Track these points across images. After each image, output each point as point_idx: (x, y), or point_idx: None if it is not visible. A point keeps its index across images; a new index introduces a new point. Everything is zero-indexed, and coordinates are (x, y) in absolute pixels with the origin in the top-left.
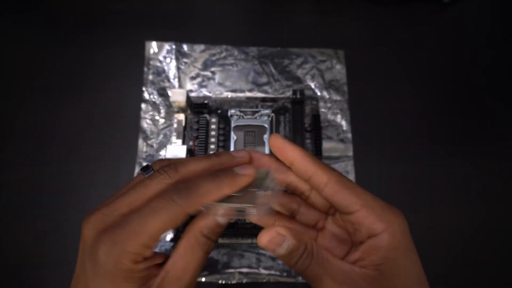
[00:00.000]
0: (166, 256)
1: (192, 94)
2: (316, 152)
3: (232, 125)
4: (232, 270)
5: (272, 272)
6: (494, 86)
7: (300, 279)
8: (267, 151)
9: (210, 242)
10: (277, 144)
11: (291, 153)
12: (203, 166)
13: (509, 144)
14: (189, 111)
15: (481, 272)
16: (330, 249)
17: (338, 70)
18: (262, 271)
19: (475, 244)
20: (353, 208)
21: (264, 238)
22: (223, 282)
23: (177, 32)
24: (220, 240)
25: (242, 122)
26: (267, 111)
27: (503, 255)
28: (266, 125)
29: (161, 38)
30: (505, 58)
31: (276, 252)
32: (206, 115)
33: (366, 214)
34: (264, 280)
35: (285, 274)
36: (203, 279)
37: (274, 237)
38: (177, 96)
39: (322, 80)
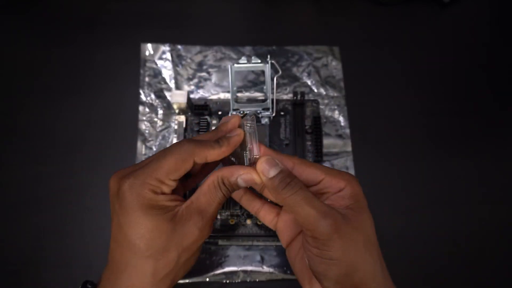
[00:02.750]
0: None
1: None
2: (317, 154)
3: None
4: (236, 269)
5: (276, 270)
6: (493, 86)
7: None
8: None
9: (226, 191)
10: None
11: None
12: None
13: (508, 143)
14: (189, 113)
15: (480, 272)
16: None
17: (334, 66)
18: (266, 269)
19: (475, 243)
20: (320, 178)
21: (261, 162)
22: (227, 281)
23: (174, 33)
24: (221, 242)
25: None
26: (267, 113)
27: (503, 255)
28: (267, 120)
29: (158, 39)
30: (504, 58)
31: (270, 173)
32: (207, 117)
33: (330, 179)
34: (268, 278)
35: (288, 271)
36: (207, 279)
37: (268, 160)
38: (178, 97)
39: (318, 77)
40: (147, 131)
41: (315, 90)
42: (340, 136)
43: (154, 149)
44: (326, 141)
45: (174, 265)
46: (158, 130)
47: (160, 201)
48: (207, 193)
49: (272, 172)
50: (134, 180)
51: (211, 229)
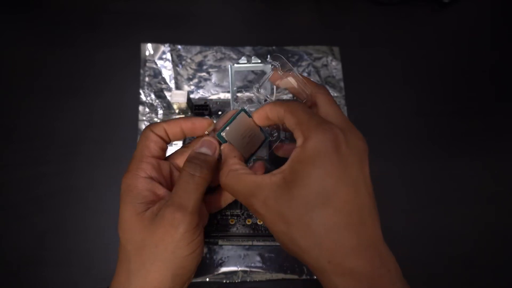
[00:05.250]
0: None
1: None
2: None
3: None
4: (236, 269)
5: (276, 270)
6: (494, 86)
7: (303, 276)
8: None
9: (200, 170)
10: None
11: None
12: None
13: (508, 143)
14: (189, 113)
15: (480, 273)
16: None
17: (334, 66)
18: (266, 269)
19: (475, 243)
20: (291, 127)
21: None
22: (227, 281)
23: (174, 33)
24: (221, 242)
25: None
26: None
27: (503, 254)
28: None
29: (158, 39)
30: (504, 58)
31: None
32: (207, 117)
33: (296, 129)
34: (268, 278)
35: (288, 271)
36: (207, 279)
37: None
38: (178, 97)
39: (318, 77)
40: None
41: None
42: None
43: None
44: None
45: (150, 268)
46: None
47: (136, 186)
48: (180, 180)
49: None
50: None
51: (197, 227)
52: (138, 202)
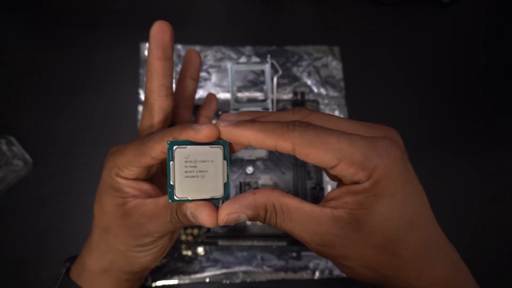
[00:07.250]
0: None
1: None
2: None
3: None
4: (236, 269)
5: (276, 270)
6: (493, 86)
7: (304, 275)
8: (264, 152)
9: (176, 221)
10: (226, 133)
11: (243, 137)
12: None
13: (508, 143)
14: None
15: (478, 273)
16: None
17: (334, 66)
18: (266, 269)
19: (475, 243)
20: (332, 164)
21: (220, 219)
22: (228, 282)
23: (174, 33)
24: (221, 242)
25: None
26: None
27: (503, 254)
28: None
29: None
30: (504, 59)
31: (240, 220)
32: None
33: (345, 167)
34: (268, 278)
35: (288, 271)
36: (207, 280)
37: (229, 217)
38: None
39: (318, 77)
40: None
41: (315, 90)
42: None
43: None
44: None
45: (108, 248)
46: None
47: (119, 183)
48: (159, 210)
49: (243, 219)
50: (111, 158)
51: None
52: (118, 195)
